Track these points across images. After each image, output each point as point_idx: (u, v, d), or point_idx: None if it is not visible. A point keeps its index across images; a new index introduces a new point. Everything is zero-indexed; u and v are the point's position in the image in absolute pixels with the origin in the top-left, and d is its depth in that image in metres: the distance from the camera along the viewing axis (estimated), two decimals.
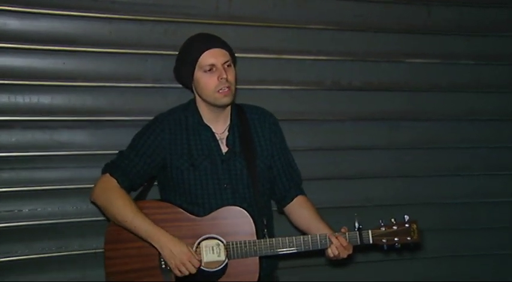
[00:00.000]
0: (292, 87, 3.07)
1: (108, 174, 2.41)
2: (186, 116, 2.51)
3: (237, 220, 2.39)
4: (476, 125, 3.40)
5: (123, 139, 2.59)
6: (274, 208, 2.71)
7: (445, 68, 3.32)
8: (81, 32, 2.70)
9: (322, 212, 2.58)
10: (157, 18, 2.80)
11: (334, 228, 2.44)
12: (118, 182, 2.39)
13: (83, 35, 2.70)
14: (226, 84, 2.38)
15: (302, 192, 2.65)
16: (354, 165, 3.23)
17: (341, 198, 3.22)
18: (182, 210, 2.41)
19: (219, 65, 2.38)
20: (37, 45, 2.64)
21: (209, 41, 2.42)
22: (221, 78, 2.37)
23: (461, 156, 3.40)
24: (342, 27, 3.11)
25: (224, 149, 2.50)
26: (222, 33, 2.58)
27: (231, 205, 2.42)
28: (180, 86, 2.68)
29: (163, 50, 2.79)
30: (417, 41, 3.26)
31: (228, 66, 2.42)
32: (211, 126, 2.50)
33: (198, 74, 2.41)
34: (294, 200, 2.61)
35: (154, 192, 2.65)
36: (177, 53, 2.53)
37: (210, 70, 2.38)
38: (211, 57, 2.38)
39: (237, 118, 2.56)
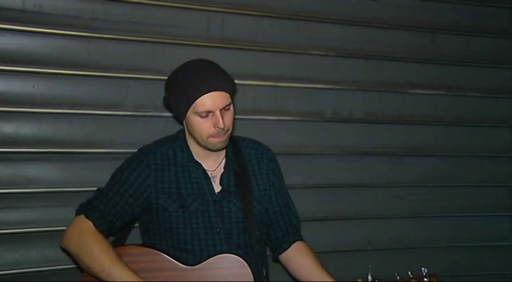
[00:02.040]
0: (290, 118, 2.84)
1: (83, 216, 2.09)
2: (175, 150, 2.24)
3: (233, 270, 2.12)
4: (484, 162, 3.22)
5: (100, 175, 2.33)
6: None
7: (451, 101, 3.14)
8: (56, 51, 2.42)
9: (319, 256, 2.34)
10: (142, 38, 2.54)
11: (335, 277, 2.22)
12: (94, 225, 2.07)
13: (57, 55, 2.42)
14: (222, 134, 2.12)
15: (301, 238, 2.39)
16: (354, 204, 3.01)
17: (340, 241, 2.98)
18: (169, 258, 2.13)
19: (217, 112, 2.08)
20: (3, 65, 2.35)
21: (209, 81, 2.07)
22: (217, 127, 2.09)
23: (468, 195, 3.20)
24: (344, 54, 2.91)
25: (217, 188, 2.23)
26: (213, 56, 2.30)
27: (225, 253, 2.15)
28: (167, 115, 2.47)
29: (148, 74, 2.54)
30: (422, 71, 3.07)
31: (226, 109, 2.12)
32: (202, 163, 2.23)
33: (192, 116, 2.11)
34: (292, 247, 2.35)
35: (135, 236, 2.36)
36: (162, 77, 2.26)
37: (206, 116, 2.09)
38: (210, 101, 2.06)
39: (232, 153, 2.29)
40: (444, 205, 3.15)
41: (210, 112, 2.07)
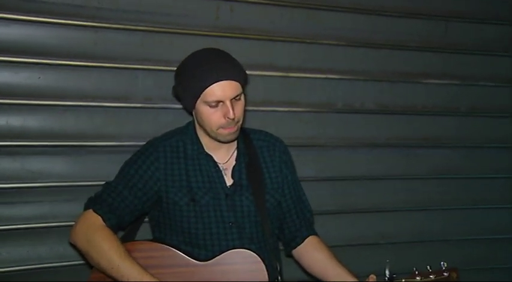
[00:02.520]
0: (300, 109, 2.76)
1: (91, 211, 2.03)
2: (184, 142, 2.17)
3: (247, 266, 2.05)
4: (497, 153, 3.15)
5: (109, 168, 2.26)
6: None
7: (464, 90, 3.06)
8: (61, 42, 2.33)
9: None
10: (150, 28, 2.45)
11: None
12: (103, 220, 2.02)
13: (63, 46, 2.34)
14: (233, 125, 2.04)
15: (314, 232, 2.33)
16: (367, 197, 2.94)
17: (352, 234, 2.92)
18: (181, 254, 2.06)
19: (227, 102, 2.00)
20: (7, 56, 2.27)
21: (219, 70, 2.00)
22: (227, 118, 2.01)
23: (481, 187, 3.13)
24: (355, 43, 2.82)
25: (229, 181, 2.16)
26: (222, 46, 2.24)
27: (237, 247, 2.09)
28: (176, 106, 2.40)
29: (157, 65, 2.46)
30: (435, 60, 2.99)
31: (237, 99, 2.05)
32: (213, 155, 2.16)
33: (201, 106, 2.04)
34: (306, 241, 2.28)
35: (144, 230, 2.30)
36: (171, 68, 2.21)
37: (215, 105, 2.02)
38: (219, 91, 1.99)
39: (243, 145, 2.22)
40: (457, 197, 3.09)
41: (220, 102, 2.00)
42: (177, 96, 2.18)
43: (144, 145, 2.19)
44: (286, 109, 2.72)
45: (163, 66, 2.44)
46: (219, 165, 2.16)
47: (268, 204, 2.19)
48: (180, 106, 2.40)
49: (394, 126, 2.94)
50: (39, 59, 2.30)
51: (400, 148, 2.96)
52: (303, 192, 2.37)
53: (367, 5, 2.83)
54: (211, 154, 2.15)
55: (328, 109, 2.81)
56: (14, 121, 2.30)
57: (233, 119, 2.02)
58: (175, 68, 2.15)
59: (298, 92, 2.74)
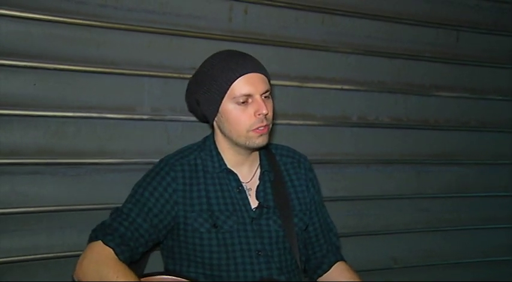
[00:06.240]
0: (316, 123, 2.54)
1: (100, 243, 1.73)
2: (203, 159, 1.92)
3: None
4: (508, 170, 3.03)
5: (112, 190, 2.10)
6: None
7: (474, 104, 2.93)
8: (59, 43, 2.04)
9: None
10: (158, 29, 2.19)
11: None
12: (116, 253, 1.72)
13: (62, 48, 2.05)
14: (265, 123, 1.82)
15: (342, 258, 2.12)
16: (379, 218, 2.75)
17: (364, 259, 2.70)
18: None
19: (257, 96, 1.81)
20: None
21: (244, 63, 1.84)
22: (259, 115, 1.80)
23: (494, 205, 3.01)
24: (370, 52, 2.63)
25: (253, 203, 1.91)
26: None
27: (266, 279, 1.85)
28: (186, 118, 2.19)
29: (165, 71, 2.21)
30: (447, 71, 2.84)
31: (266, 97, 1.85)
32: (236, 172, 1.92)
33: (228, 106, 1.82)
34: (333, 268, 2.07)
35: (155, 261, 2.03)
36: (181, 75, 2.07)
37: (244, 102, 1.81)
38: (248, 84, 1.80)
39: (266, 162, 1.99)
40: (468, 216, 2.94)
41: (249, 96, 1.80)
42: (194, 107, 1.94)
43: (158, 164, 1.91)
44: (301, 122, 2.50)
45: (172, 72, 2.20)
46: (243, 185, 1.91)
47: (297, 229, 1.96)
48: (191, 118, 2.15)
49: (406, 142, 2.77)
50: (34, 62, 2.00)
51: (411, 165, 2.80)
52: (327, 213, 2.15)
53: (381, 10, 2.65)
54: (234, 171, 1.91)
55: (343, 123, 2.61)
56: (4, 136, 2.00)
57: (266, 115, 1.81)
58: (185, 75, 1.93)
59: (313, 104, 2.53)
